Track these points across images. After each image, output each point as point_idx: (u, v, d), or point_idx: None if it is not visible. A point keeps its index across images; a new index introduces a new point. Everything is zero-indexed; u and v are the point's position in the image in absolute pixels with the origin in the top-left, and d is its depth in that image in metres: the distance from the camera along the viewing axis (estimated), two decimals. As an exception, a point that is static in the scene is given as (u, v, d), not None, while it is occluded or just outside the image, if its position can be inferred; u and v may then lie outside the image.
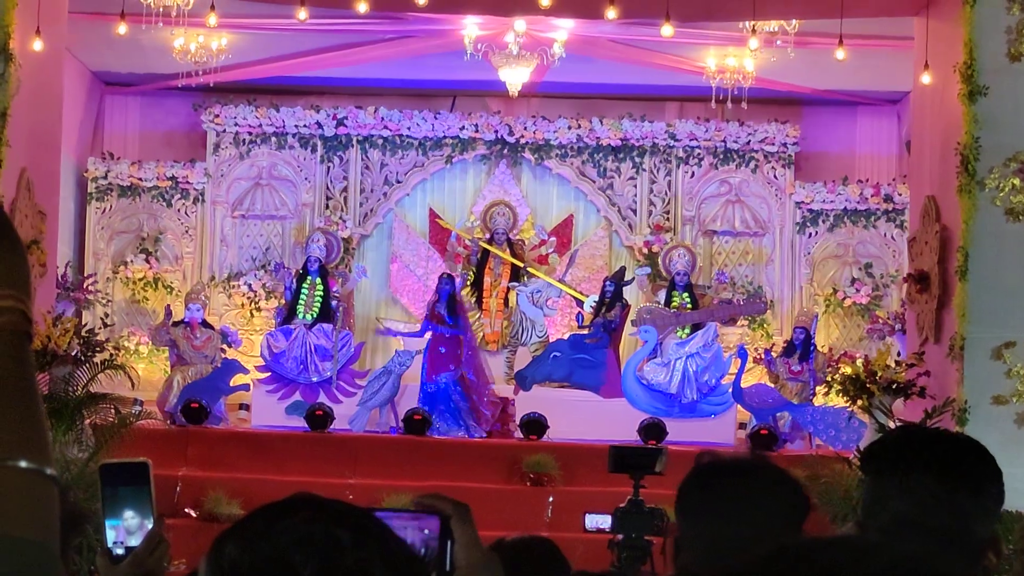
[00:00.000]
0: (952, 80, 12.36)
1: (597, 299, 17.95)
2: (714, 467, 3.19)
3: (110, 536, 2.77)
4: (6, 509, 1.73)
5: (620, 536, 7.87)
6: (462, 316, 17.00)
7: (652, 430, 15.80)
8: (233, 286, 19.23)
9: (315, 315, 17.58)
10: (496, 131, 19.38)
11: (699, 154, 19.47)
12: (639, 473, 7.93)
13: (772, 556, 1.48)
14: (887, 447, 2.92)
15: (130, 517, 2.72)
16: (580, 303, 18.39)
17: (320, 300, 17.65)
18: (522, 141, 19.42)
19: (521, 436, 16.00)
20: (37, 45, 13.17)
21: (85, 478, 11.44)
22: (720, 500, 3.12)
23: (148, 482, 2.74)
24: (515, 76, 17.35)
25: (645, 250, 19.16)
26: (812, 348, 17.25)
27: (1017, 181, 11.95)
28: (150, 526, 2.76)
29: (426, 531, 2.20)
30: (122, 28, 14.50)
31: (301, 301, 17.66)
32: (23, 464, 1.75)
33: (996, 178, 11.98)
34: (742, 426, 16.97)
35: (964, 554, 2.81)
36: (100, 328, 16.82)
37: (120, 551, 2.77)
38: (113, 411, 13.53)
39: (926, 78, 13.22)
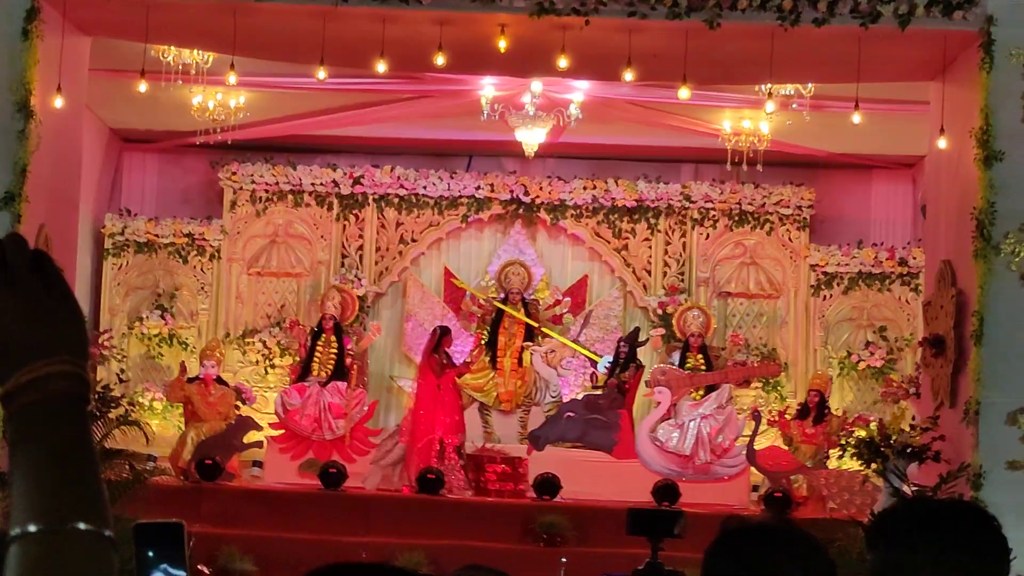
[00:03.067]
0: (968, 145, 12.39)
1: (611, 360, 17.96)
2: (741, 533, 3.19)
3: None
4: (66, 571, 1.76)
5: (637, 598, 7.86)
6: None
7: (666, 492, 15.77)
8: (248, 343, 19.25)
9: (329, 373, 17.60)
10: (512, 191, 19.44)
11: (714, 216, 19.50)
12: (658, 536, 7.92)
13: None
14: (914, 519, 2.92)
15: None
16: (594, 364, 18.40)
17: (335, 358, 17.67)
18: (537, 201, 19.47)
19: (534, 496, 15.98)
20: (58, 102, 13.24)
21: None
22: (747, 567, 3.12)
23: (182, 544, 2.73)
24: (531, 137, 17.43)
25: (659, 311, 19.17)
26: (826, 411, 17.23)
27: (1032, 246, 11.96)
28: None
29: None
30: (142, 86, 14.59)
31: (315, 359, 17.69)
32: (82, 526, 1.78)
33: (1012, 243, 11.99)
34: (755, 488, 16.94)
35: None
36: (115, 384, 16.81)
37: None
38: (128, 467, 13.52)
39: (942, 143, 13.25)
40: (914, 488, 12.16)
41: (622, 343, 17.95)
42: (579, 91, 16.80)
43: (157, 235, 19.32)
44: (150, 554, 2.71)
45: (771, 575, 3.10)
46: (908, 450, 12.85)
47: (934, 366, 13.05)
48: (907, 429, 13.32)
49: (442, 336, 17.10)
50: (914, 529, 2.86)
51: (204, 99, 17.14)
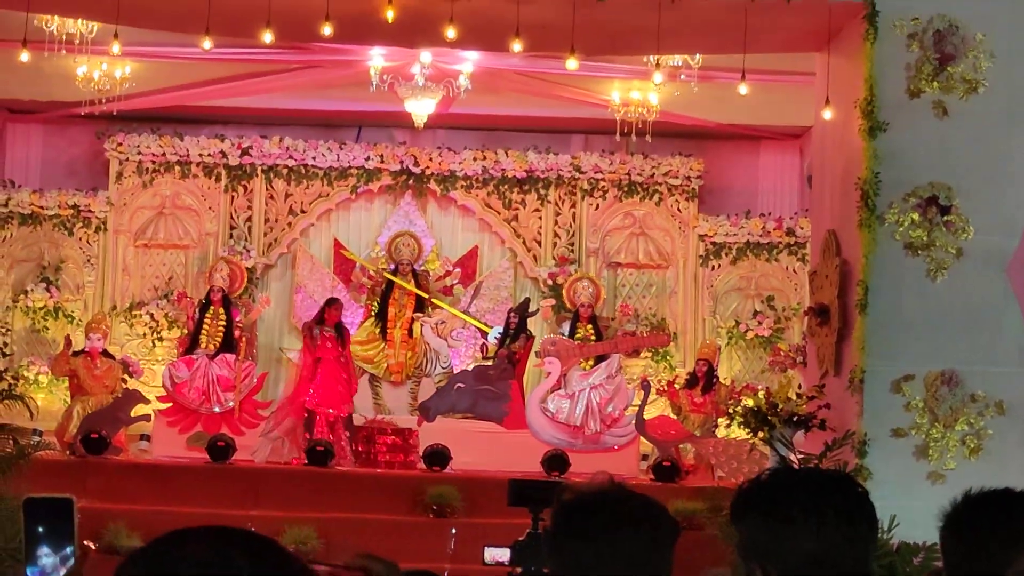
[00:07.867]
0: (853, 116, 12.47)
1: (501, 330, 17.98)
2: (576, 505, 3.19)
3: (30, 573, 2.72)
4: None
5: (519, 569, 7.86)
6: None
7: (555, 462, 15.82)
8: (135, 315, 19.07)
9: (218, 345, 17.48)
10: (401, 162, 19.39)
11: (604, 187, 19.56)
12: (538, 506, 7.92)
13: None
14: (791, 491, 2.92)
15: (46, 555, 2.67)
16: (484, 334, 18.41)
17: (223, 330, 17.55)
18: (427, 172, 19.44)
19: (424, 467, 15.96)
20: (-63, 71, 13.02)
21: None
22: (585, 538, 3.12)
23: (71, 519, 2.69)
24: (421, 107, 17.37)
25: (550, 282, 19.22)
26: (714, 380, 17.34)
27: (916, 216, 12.06)
28: (71, 564, 2.72)
29: None
30: (24, 56, 14.34)
31: (204, 331, 17.55)
32: None
33: (895, 213, 12.09)
34: (644, 457, 17.04)
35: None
36: (-1, 358, 16.61)
37: None
38: (11, 442, 13.34)
39: (827, 113, 13.32)
40: (800, 456, 12.26)
41: (512, 314, 17.97)
42: (468, 62, 16.75)
43: (42, 207, 19.09)
44: (40, 529, 2.66)
45: (607, 545, 3.10)
46: (794, 418, 12.94)
47: (819, 335, 13.16)
48: (793, 398, 13.41)
49: (325, 308, 16.99)
50: (792, 500, 2.87)
51: (89, 69, 16.94)
